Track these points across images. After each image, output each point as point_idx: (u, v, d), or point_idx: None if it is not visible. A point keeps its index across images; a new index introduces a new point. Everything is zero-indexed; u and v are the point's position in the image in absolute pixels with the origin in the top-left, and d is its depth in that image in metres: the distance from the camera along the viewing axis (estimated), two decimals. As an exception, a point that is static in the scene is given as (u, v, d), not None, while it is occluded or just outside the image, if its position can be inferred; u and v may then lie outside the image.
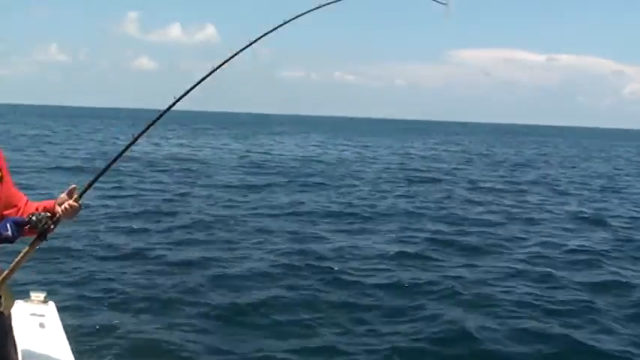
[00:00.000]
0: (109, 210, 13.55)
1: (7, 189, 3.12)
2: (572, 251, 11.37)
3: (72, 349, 3.36)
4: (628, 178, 28.90)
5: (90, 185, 3.21)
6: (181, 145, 40.11)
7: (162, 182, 19.49)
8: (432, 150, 47.27)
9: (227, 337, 6.62)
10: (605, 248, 11.80)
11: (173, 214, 13.74)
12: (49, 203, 3.17)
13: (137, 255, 9.77)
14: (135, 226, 11.97)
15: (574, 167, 34.81)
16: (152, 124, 3.26)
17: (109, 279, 8.33)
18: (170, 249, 10.34)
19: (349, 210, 15.23)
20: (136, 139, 3.24)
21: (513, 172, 29.62)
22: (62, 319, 3.73)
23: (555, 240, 12.39)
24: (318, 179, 22.03)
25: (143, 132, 3.25)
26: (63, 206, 3.09)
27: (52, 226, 3.09)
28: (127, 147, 3.23)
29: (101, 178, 3.19)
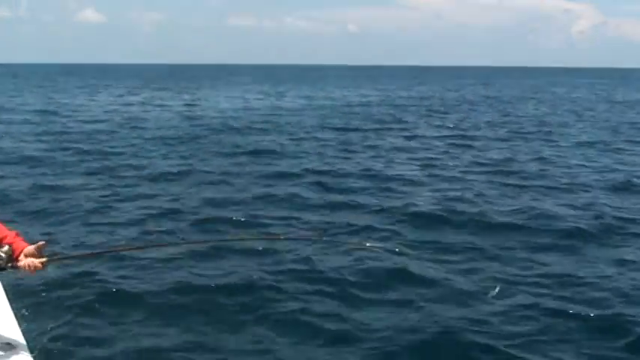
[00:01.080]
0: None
1: None
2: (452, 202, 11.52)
3: (18, 323, 3.41)
4: (552, 117, 29.89)
5: (64, 258, 3.61)
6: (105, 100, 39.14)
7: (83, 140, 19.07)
8: (372, 97, 47.60)
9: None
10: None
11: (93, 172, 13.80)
12: (18, 244, 3.23)
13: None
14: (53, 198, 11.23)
15: (499, 111, 34.80)
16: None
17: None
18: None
19: (277, 169, 14.92)
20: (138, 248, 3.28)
21: (444, 116, 30.30)
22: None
23: (453, 193, 12.41)
24: (236, 135, 22.04)
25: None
26: (27, 262, 3.15)
27: (7, 269, 3.21)
28: (117, 249, 3.52)
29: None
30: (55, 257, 3.37)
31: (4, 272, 3.30)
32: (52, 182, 12.83)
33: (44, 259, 3.21)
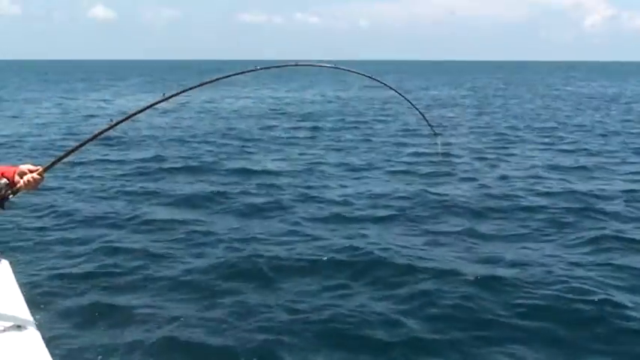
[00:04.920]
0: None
1: None
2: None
3: (27, 306, 3.30)
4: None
5: (58, 160, 3.17)
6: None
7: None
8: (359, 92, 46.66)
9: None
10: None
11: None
12: (7, 170, 3.08)
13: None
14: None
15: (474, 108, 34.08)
16: (135, 114, 3.41)
17: (66, 241, 8.53)
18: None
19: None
20: (113, 126, 3.30)
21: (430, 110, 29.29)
22: (17, 278, 3.64)
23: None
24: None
25: (123, 120, 3.33)
26: (26, 178, 3.03)
27: (10, 196, 3.07)
28: (103, 131, 3.28)
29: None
30: (49, 163, 3.16)
31: (10, 199, 3.13)
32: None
33: (39, 169, 3.10)
